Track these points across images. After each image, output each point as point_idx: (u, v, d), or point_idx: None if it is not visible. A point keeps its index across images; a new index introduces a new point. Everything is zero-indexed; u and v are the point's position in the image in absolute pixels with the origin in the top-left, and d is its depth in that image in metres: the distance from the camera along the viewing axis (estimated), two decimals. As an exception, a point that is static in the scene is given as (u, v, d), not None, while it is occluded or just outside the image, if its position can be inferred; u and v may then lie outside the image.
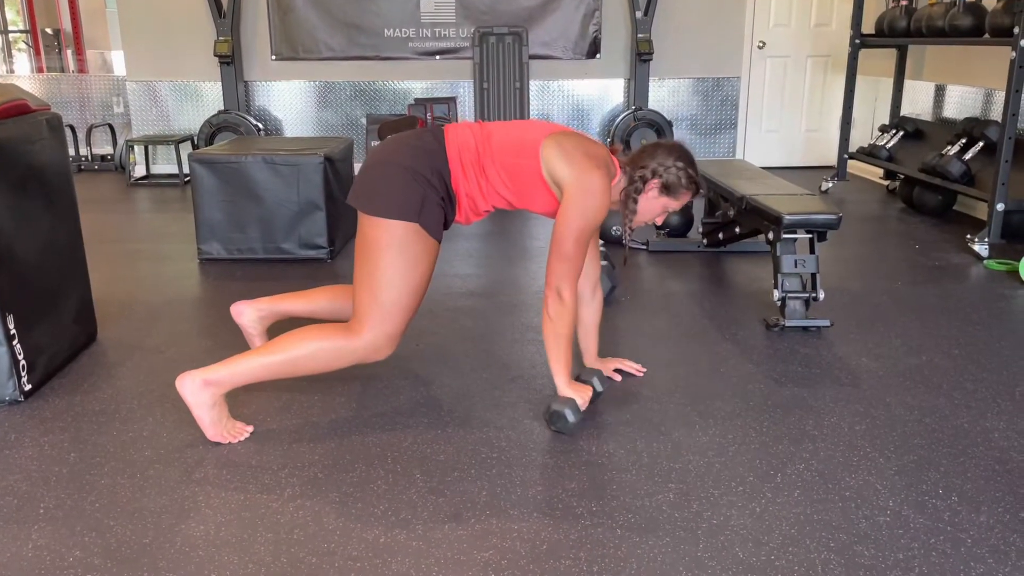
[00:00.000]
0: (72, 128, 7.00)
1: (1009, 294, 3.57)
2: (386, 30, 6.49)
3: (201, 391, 2.23)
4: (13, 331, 2.50)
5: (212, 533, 1.88)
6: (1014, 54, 4.00)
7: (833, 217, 3.11)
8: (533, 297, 3.58)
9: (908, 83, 5.84)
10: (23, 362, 2.54)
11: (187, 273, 3.97)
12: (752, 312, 3.37)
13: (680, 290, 3.67)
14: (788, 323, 3.13)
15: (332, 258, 4.17)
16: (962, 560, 1.77)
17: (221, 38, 6.25)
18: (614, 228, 4.20)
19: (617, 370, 2.73)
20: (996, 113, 4.82)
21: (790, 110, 6.89)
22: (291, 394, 2.60)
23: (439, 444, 2.29)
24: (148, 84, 6.60)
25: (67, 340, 2.84)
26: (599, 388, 2.53)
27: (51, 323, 2.72)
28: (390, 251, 2.24)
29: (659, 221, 2.47)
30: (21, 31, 8.77)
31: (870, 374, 2.75)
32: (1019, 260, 3.80)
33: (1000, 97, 4.72)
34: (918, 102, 5.75)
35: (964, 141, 4.75)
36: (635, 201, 2.36)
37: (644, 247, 4.36)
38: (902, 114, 5.85)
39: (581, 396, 2.35)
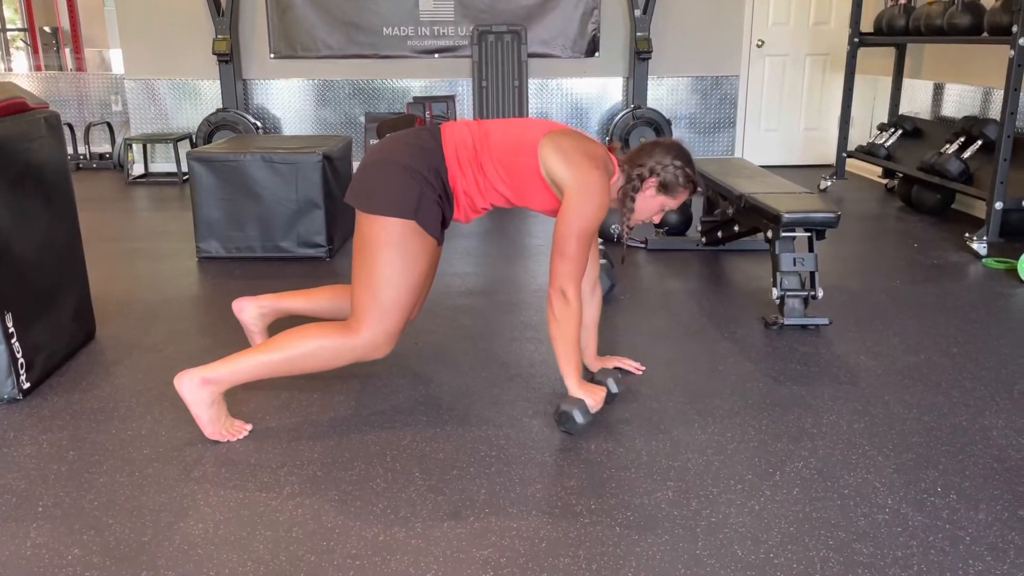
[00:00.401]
0: (70, 126, 6.99)
1: (1008, 292, 3.57)
2: (385, 28, 6.49)
3: (200, 389, 2.23)
4: (11, 329, 2.50)
5: (211, 531, 1.88)
6: (1012, 53, 4.01)
7: (832, 215, 3.12)
8: (532, 295, 3.58)
9: (907, 82, 5.84)
10: (21, 360, 2.54)
11: (186, 271, 3.97)
12: (751, 310, 3.37)
13: (679, 288, 3.67)
14: (787, 321, 3.14)
15: (331, 256, 4.17)
16: (960, 558, 1.77)
17: (219, 36, 6.25)
18: (612, 227, 4.19)
19: (616, 368, 2.73)
20: (995, 112, 4.82)
21: (789, 109, 6.89)
22: (290, 392, 2.60)
23: (438, 442, 2.29)
24: (146, 82, 6.59)
25: (65, 338, 2.83)
26: (614, 389, 2.49)
27: (50, 321, 2.72)
28: (388, 249, 2.24)
29: (657, 220, 2.48)
30: (19, 29, 8.76)
31: (869, 372, 2.75)
32: (1018, 258, 3.80)
33: (999, 96, 4.72)
34: (917, 101, 5.75)
35: (963, 140, 4.75)
36: (633, 200, 2.36)
37: (643, 245, 4.36)
38: (901, 113, 5.85)
39: (592, 397, 2.32)
